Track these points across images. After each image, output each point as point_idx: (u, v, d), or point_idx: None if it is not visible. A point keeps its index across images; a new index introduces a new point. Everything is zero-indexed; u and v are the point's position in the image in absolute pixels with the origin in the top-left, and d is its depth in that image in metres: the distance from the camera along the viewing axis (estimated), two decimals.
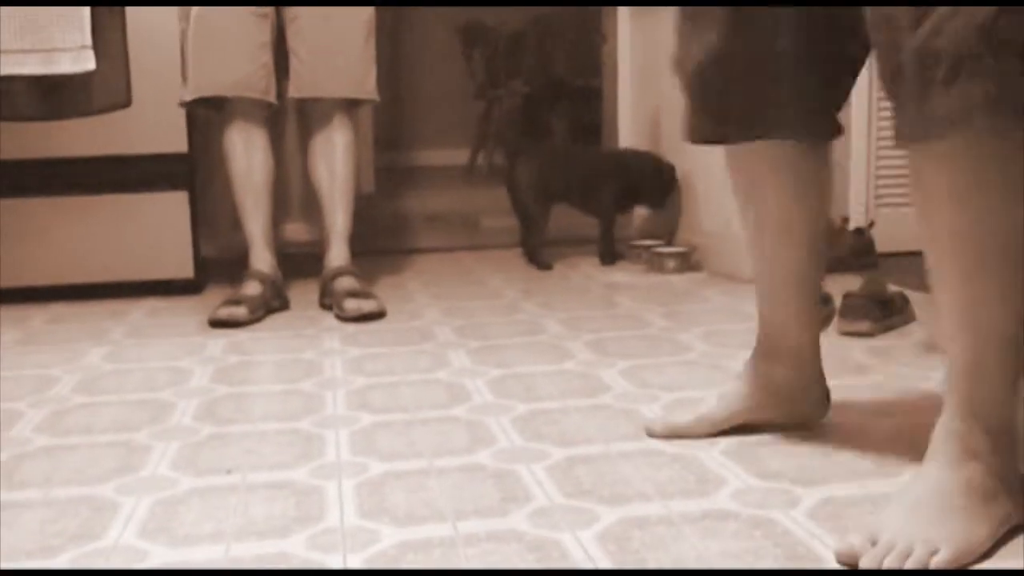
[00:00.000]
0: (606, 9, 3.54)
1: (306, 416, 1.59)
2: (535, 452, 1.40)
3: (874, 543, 1.04)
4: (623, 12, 3.34)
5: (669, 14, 2.98)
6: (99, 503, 1.26)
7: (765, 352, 1.44)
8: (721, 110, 1.30)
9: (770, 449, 1.38)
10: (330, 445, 1.45)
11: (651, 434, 1.44)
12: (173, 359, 1.97)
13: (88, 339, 2.16)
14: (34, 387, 1.79)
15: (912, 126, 1.05)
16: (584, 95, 4.45)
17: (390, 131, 5.29)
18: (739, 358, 1.85)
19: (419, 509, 1.21)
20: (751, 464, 1.33)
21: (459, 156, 5.20)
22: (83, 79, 2.53)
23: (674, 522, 1.16)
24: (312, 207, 2.71)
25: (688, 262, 2.78)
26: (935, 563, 1.01)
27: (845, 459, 1.34)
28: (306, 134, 2.57)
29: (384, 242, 3.23)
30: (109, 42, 2.54)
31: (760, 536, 1.12)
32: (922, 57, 1.00)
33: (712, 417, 1.44)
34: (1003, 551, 1.06)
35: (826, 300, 2.08)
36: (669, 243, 2.94)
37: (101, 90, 2.57)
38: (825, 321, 2.04)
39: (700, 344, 1.98)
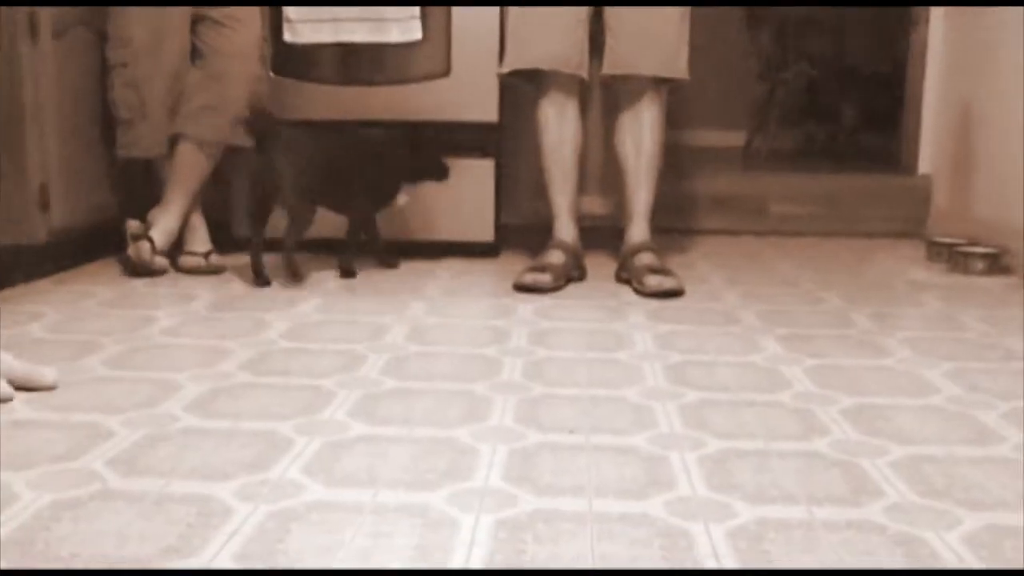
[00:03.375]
0: None
1: (628, 387, 1.64)
2: (874, 447, 1.38)
3: None
4: None
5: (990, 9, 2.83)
6: (461, 443, 1.36)
7: None
8: None
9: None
10: (660, 416, 1.49)
11: None
12: (490, 318, 2.08)
13: (408, 292, 2.32)
14: (371, 334, 1.94)
15: None
16: (876, 82, 4.28)
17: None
18: None
19: (724, 488, 1.23)
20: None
21: (730, 138, 5.12)
22: (408, 48, 2.69)
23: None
24: (609, 181, 2.76)
25: (998, 264, 2.64)
26: None
27: None
28: (613, 110, 2.61)
29: (668, 220, 3.24)
30: (433, 13, 2.69)
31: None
32: None
33: None
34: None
35: None
36: (974, 243, 2.79)
37: (423, 59, 2.73)
38: None
39: None
